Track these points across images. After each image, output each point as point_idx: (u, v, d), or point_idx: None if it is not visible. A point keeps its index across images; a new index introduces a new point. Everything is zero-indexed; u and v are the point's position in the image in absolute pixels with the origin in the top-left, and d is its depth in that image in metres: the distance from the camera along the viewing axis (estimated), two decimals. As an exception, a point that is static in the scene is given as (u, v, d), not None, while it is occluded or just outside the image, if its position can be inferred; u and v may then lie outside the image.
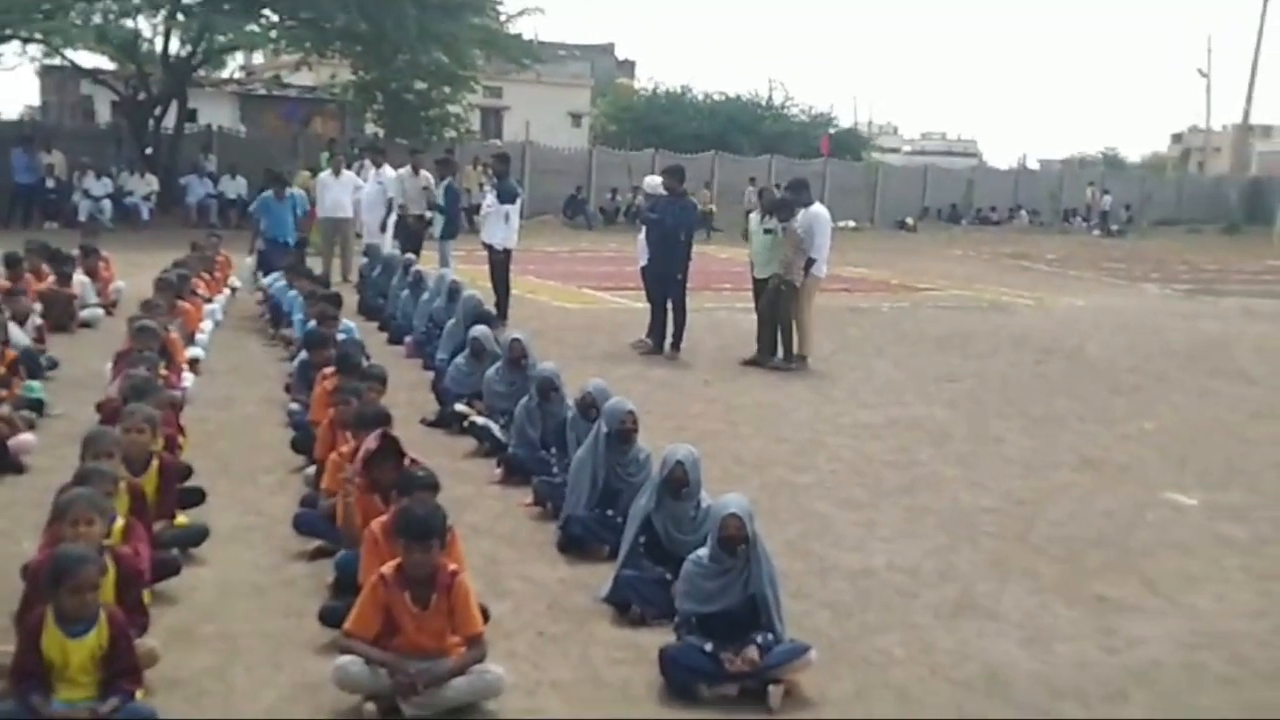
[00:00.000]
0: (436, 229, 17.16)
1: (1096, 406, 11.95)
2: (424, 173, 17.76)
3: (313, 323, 10.66)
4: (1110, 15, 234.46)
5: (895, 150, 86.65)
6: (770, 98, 50.43)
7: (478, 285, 14.15)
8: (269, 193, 16.49)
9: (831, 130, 48.88)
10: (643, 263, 13.67)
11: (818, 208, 13.48)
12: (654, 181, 14.34)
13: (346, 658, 4.82)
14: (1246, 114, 53.13)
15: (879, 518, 7.89)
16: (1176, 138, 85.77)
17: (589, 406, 7.66)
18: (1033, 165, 63.58)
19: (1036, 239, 39.66)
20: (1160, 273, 28.35)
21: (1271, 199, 47.53)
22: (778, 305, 12.99)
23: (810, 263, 13.02)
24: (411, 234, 17.34)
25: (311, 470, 7.66)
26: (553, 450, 8.04)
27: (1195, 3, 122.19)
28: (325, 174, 19.17)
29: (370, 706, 4.77)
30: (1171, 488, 8.96)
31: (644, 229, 13.77)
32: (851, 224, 37.30)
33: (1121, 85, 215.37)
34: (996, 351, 15.23)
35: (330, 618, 5.37)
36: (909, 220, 41.82)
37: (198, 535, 6.60)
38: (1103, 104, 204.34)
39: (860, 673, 5.47)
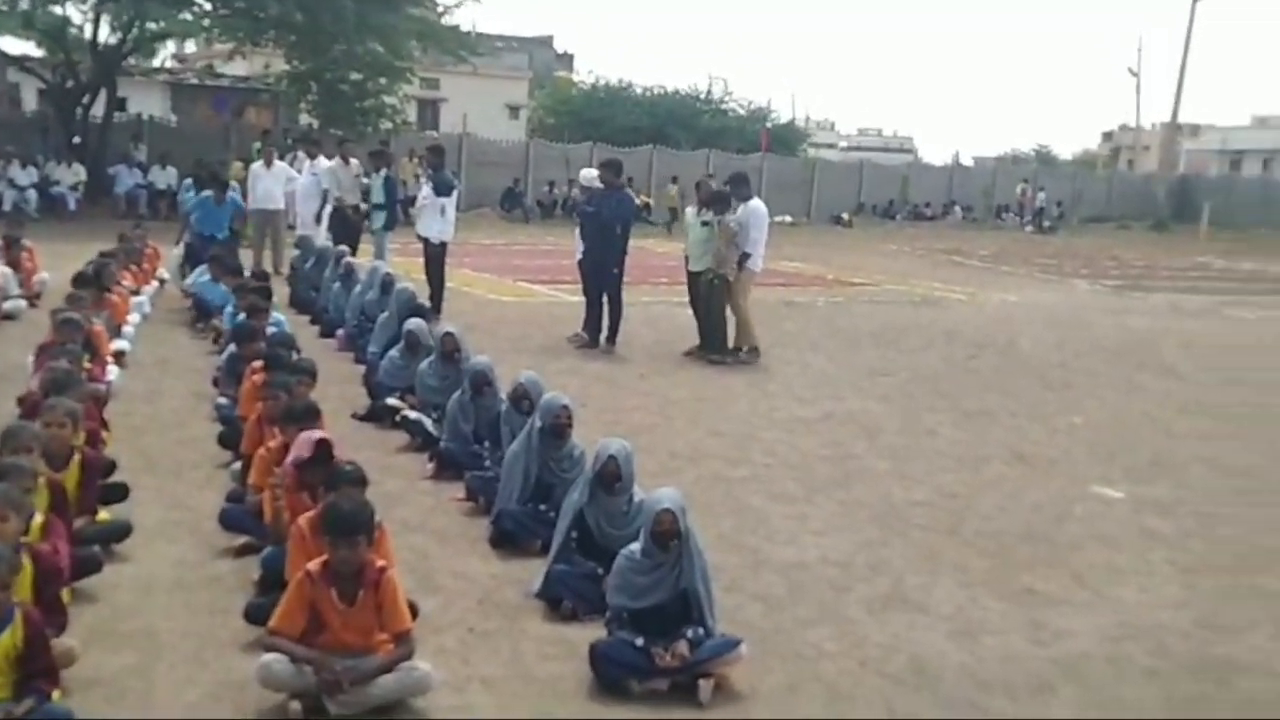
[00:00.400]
0: (377, 221, 16.89)
1: (1027, 401, 12.09)
2: (354, 161, 17.57)
3: (242, 315, 10.50)
4: (1044, 15, 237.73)
5: (832, 146, 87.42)
6: (709, 92, 50.67)
7: (412, 278, 14.03)
8: (208, 194, 16.06)
9: (769, 125, 49.12)
10: (580, 256, 13.63)
11: (755, 202, 13.49)
12: (590, 174, 14.30)
13: (271, 655, 4.74)
14: (1175, 113, 54.02)
15: (812, 511, 7.92)
16: (1107, 136, 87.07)
17: (522, 399, 7.61)
18: (967, 162, 64.13)
19: (970, 235, 40.10)
20: (1090, 269, 28.77)
21: (1198, 197, 48.46)
22: (712, 299, 13.01)
23: (745, 257, 13.04)
24: (349, 225, 17.14)
25: (238, 465, 7.54)
26: (485, 444, 7.98)
27: (1127, 3, 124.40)
28: (257, 165, 18.96)
29: (295, 705, 4.69)
30: (1099, 481, 9.08)
31: (580, 222, 13.73)
32: (788, 219, 37.46)
33: (1054, 84, 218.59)
34: (930, 346, 15.36)
35: (255, 615, 5.27)
36: (845, 215, 42.11)
37: (120, 531, 6.47)
38: (1036, 102, 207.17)
39: (791, 666, 5.47)
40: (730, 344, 13.25)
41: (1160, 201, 50.39)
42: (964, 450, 9.87)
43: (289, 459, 5.96)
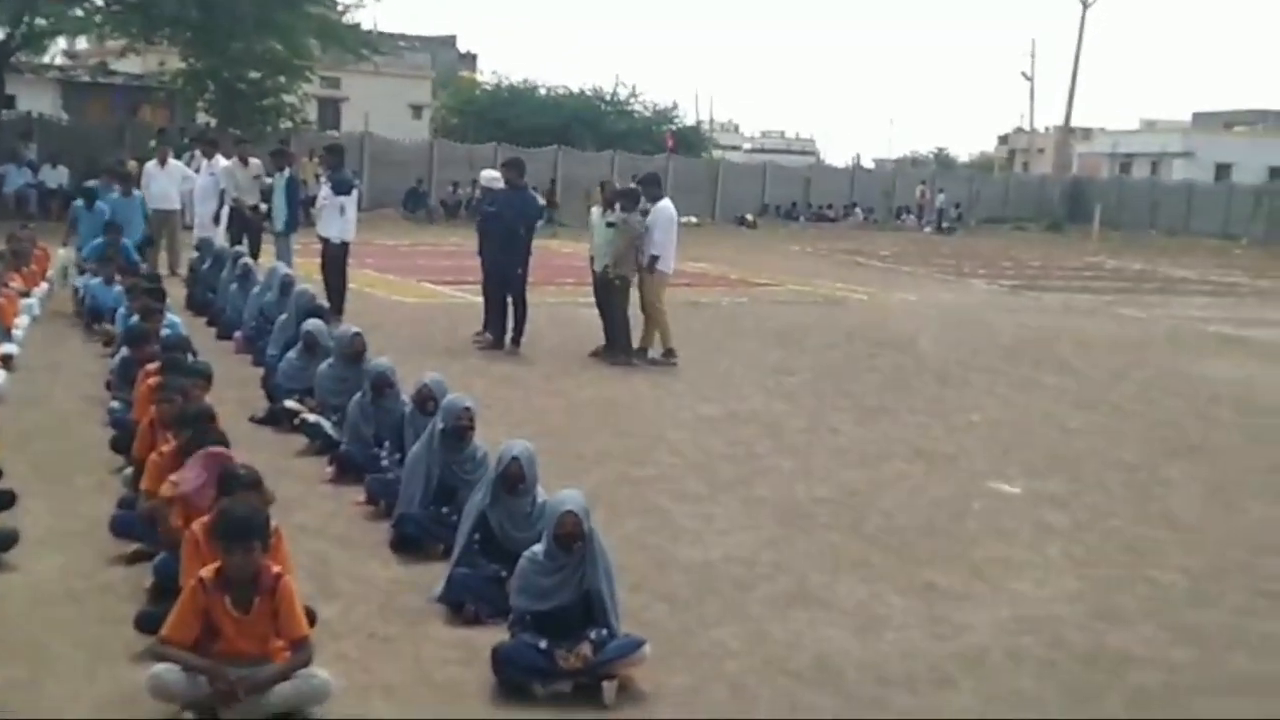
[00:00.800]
0: (278, 222, 16.49)
1: (926, 398, 12.28)
2: (254, 161, 17.26)
3: (135, 317, 10.24)
4: (942, 20, 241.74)
5: (736, 148, 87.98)
6: (615, 94, 50.72)
7: (313, 280, 13.81)
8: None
9: (674, 127, 49.38)
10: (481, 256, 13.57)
11: (664, 203, 13.46)
12: (490, 175, 14.22)
13: (162, 665, 4.61)
14: (1067, 116, 55.32)
15: (717, 510, 7.94)
16: (1003, 139, 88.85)
17: (426, 401, 7.53)
18: (867, 164, 65.17)
19: (871, 235, 40.70)
20: (988, 269, 29.33)
21: (1090, 198, 49.68)
22: (613, 299, 13.00)
23: (654, 259, 13.05)
24: (249, 225, 16.83)
25: (130, 471, 7.34)
26: (386, 447, 7.87)
27: (1021, 8, 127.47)
28: (151, 164, 18.55)
29: (188, 716, 4.57)
30: (997, 477, 9.24)
31: (479, 221, 13.69)
32: (693, 219, 37.60)
33: (952, 87, 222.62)
34: (832, 345, 15.53)
35: (147, 624, 5.13)
36: (749, 216, 42.47)
37: (6, 539, 6.26)
38: (935, 105, 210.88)
39: (695, 666, 5.47)
40: (637, 344, 13.25)
41: (1054, 203, 51.64)
42: (866, 447, 9.99)
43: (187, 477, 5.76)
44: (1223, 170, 60.48)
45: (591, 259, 13.54)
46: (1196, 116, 78.05)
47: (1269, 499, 9.05)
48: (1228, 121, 75.62)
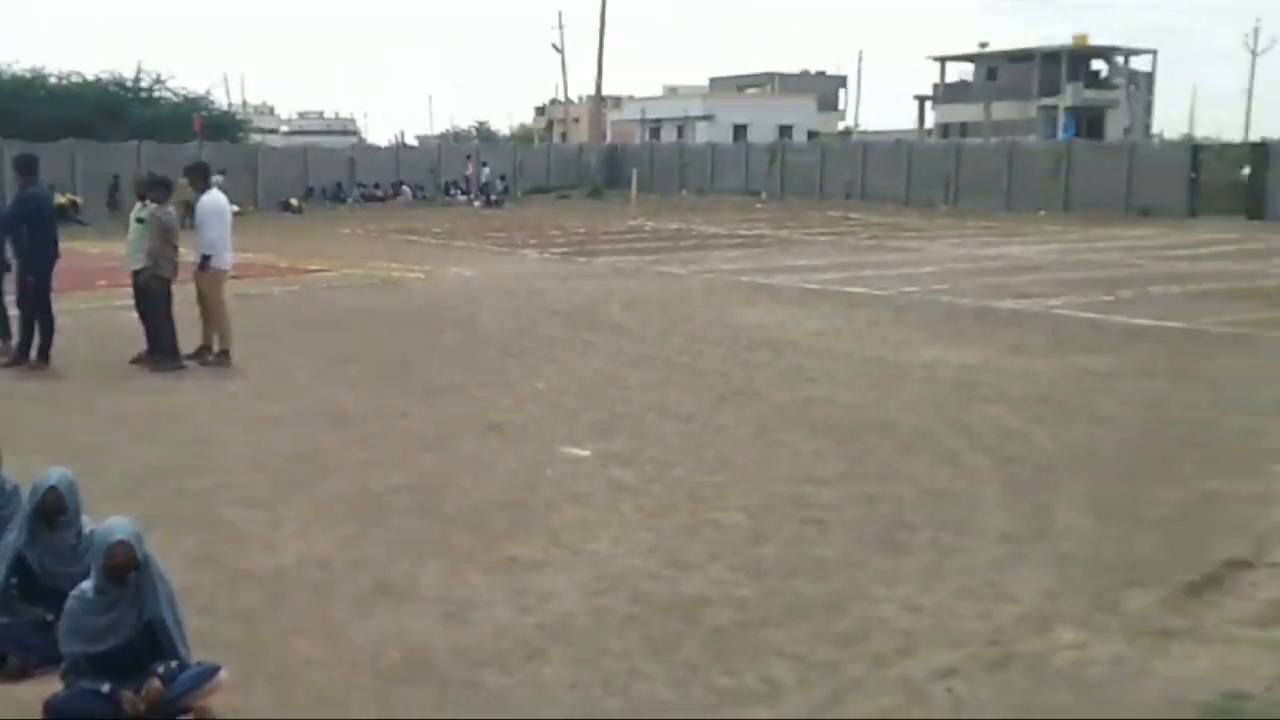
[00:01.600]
0: None
1: (492, 372, 12.38)
2: None
3: None
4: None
5: (274, 131, 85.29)
6: (138, 81, 47.70)
7: None
8: None
9: (206, 113, 47.14)
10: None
11: (212, 194, 12.83)
12: None
13: None
14: (598, 86, 57.74)
15: (287, 513, 7.60)
16: (540, 110, 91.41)
17: (-63, 436, 6.68)
18: (411, 142, 65.04)
19: (421, 213, 40.64)
20: (538, 238, 30.06)
21: (626, 164, 52.09)
22: (150, 301, 12.17)
23: (205, 259, 12.40)
24: None
25: None
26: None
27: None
28: None
29: None
30: (566, 442, 9.45)
31: None
32: (235, 208, 35.94)
33: (488, 62, 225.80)
34: (393, 327, 15.34)
35: None
36: (293, 201, 41.27)
37: None
38: (472, 80, 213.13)
39: (277, 682, 5.20)
40: (199, 343, 12.51)
41: (593, 170, 53.74)
42: (438, 428, 9.92)
43: None
44: (740, 130, 65.29)
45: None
46: (713, 81, 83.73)
47: (805, 433, 9.82)
48: (740, 84, 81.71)
